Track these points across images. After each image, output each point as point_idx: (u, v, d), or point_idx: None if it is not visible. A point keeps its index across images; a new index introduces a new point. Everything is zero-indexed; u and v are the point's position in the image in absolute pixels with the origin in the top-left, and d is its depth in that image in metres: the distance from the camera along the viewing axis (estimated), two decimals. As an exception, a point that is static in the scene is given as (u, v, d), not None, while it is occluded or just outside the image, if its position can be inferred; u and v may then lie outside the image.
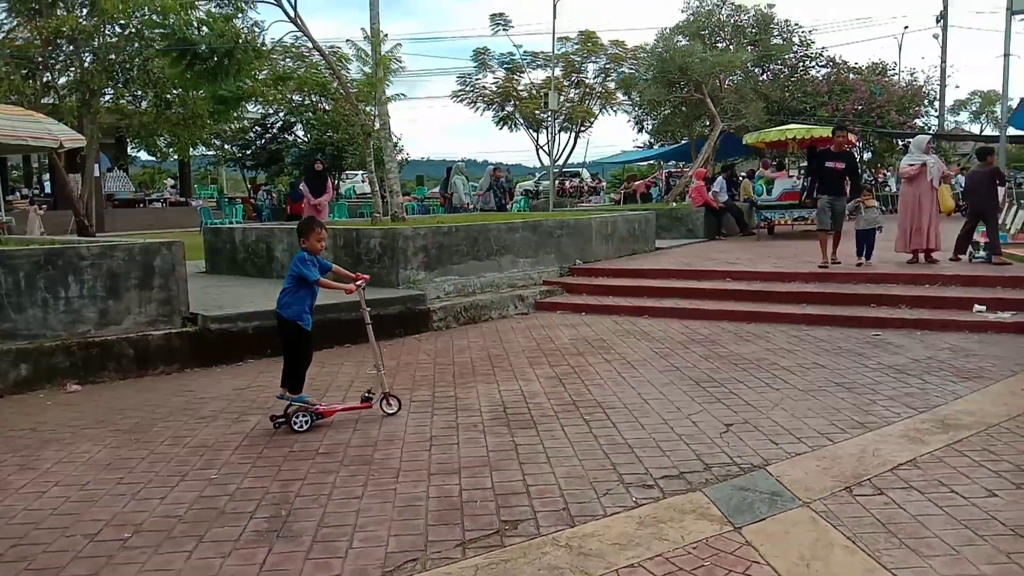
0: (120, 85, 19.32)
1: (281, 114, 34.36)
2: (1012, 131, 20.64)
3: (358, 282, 5.60)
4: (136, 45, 18.12)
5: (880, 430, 5.01)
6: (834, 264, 10.76)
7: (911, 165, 10.97)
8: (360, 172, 33.42)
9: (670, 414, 5.50)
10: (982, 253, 10.96)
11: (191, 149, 25.19)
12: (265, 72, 17.98)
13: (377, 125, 12.77)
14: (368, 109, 13.58)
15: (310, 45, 14.76)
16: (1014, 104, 21.67)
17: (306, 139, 34.05)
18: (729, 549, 3.46)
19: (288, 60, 27.35)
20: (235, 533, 3.70)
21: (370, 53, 12.34)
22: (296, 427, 5.20)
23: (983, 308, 8.47)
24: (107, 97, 19.48)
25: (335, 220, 19.08)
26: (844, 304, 9.19)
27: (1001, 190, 12.93)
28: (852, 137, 19.41)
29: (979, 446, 4.68)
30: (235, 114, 19.72)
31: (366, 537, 3.64)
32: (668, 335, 8.34)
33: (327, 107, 31.40)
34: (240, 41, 11.95)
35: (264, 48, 13.59)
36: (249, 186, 39.70)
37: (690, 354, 7.38)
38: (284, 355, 5.48)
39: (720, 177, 18.54)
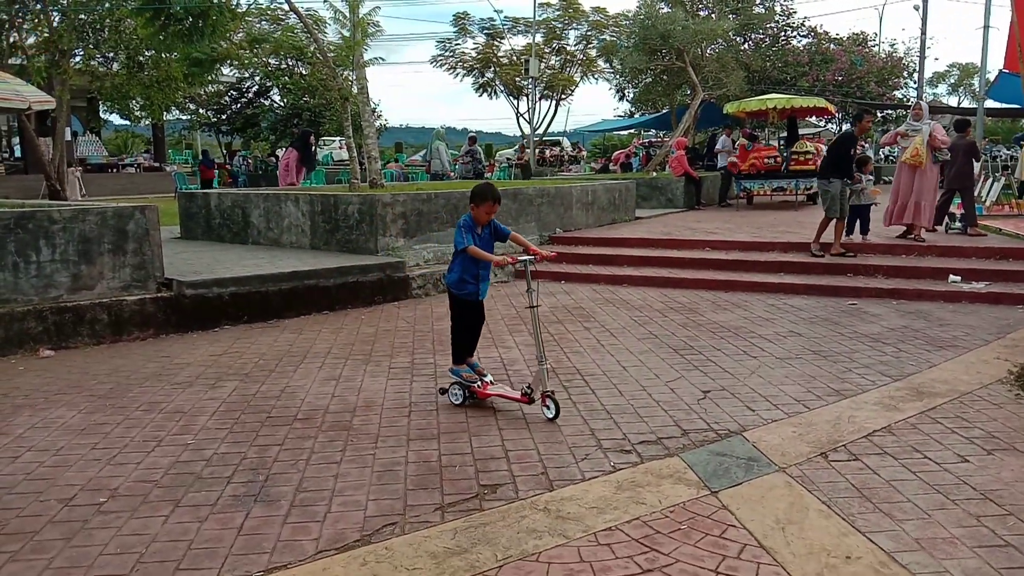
0: (91, 46, 18.83)
1: (257, 78, 33.76)
2: (990, 103, 20.77)
3: (523, 257, 4.83)
4: (107, 4, 17.63)
5: (855, 397, 5.07)
6: (847, 256, 9.66)
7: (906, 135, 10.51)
8: (338, 138, 33.03)
9: (648, 381, 5.52)
10: (958, 224, 11.08)
11: (164, 113, 24.70)
12: (240, 34, 17.63)
13: (355, 90, 12.56)
14: (346, 73, 13.36)
15: (287, 7, 14.45)
16: (992, 77, 21.79)
17: (282, 104, 33.50)
18: (706, 513, 3.50)
19: (264, 22, 26.82)
20: (212, 498, 3.68)
21: (348, 16, 12.10)
22: (453, 399, 4.99)
23: (958, 278, 8.57)
24: (77, 58, 18.97)
25: (312, 186, 18.83)
26: (821, 273, 9.26)
27: (977, 164, 13.03)
28: (831, 107, 19.45)
29: (952, 413, 4.76)
30: (209, 77, 19.28)
31: (344, 501, 3.63)
32: (647, 303, 8.36)
33: (304, 71, 30.88)
34: (215, 2, 11.66)
35: (239, 9, 13.29)
36: (224, 151, 39.09)
37: (669, 322, 7.40)
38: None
39: (723, 136, 18.47)
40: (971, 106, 26.58)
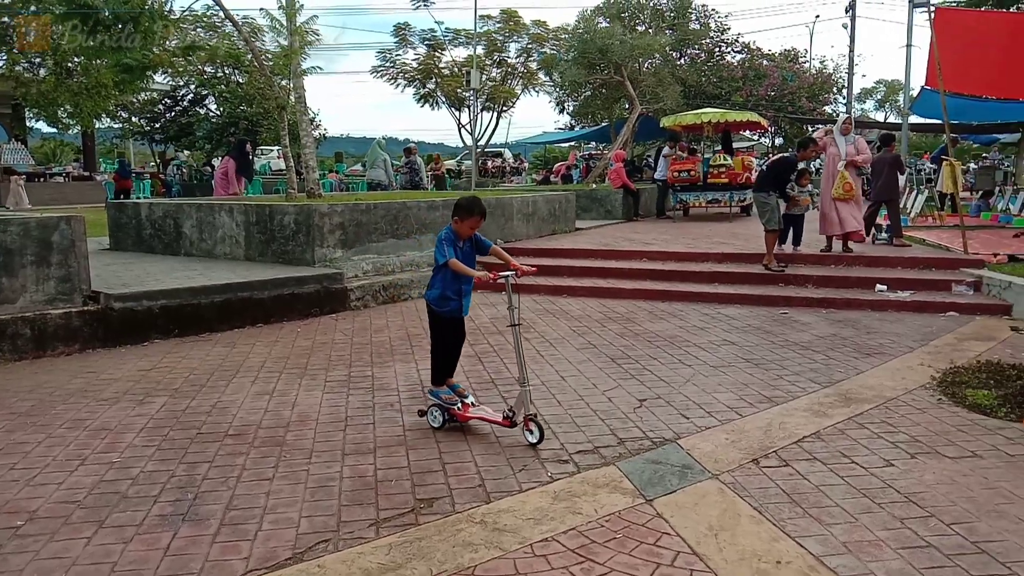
0: (15, 51, 18.14)
1: (192, 86, 33.02)
2: (914, 119, 21.59)
3: (504, 273, 4.57)
4: (33, 8, 17.02)
5: (786, 404, 5.19)
6: (779, 268, 9.76)
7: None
8: (276, 147, 32.50)
9: (586, 390, 5.56)
10: (884, 235, 11.48)
11: (95, 121, 23.94)
12: (175, 41, 17.19)
13: (292, 99, 12.39)
14: (283, 82, 13.17)
15: (222, 15, 14.18)
16: (915, 93, 22.67)
17: (219, 113, 32.83)
18: (641, 521, 3.53)
19: (199, 29, 26.25)
20: (138, 518, 3.56)
21: (285, 24, 11.94)
22: (432, 422, 4.75)
23: (884, 287, 8.88)
24: (0, 63, 18.29)
25: (247, 196, 18.46)
26: (754, 283, 9.47)
27: (902, 177, 13.55)
28: (764, 122, 19.99)
29: (878, 419, 4.91)
30: (141, 84, 18.75)
31: (276, 519, 3.55)
32: (586, 313, 8.43)
33: (241, 80, 30.35)
34: (146, 7, 11.37)
35: (173, 15, 12.97)
36: (158, 161, 38.09)
37: (607, 332, 7.47)
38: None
39: (666, 148, 18.73)
40: (896, 121, 27.61)
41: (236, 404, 5.28)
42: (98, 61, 16.19)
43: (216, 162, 26.79)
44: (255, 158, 32.86)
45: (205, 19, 25.62)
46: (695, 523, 3.50)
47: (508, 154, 41.64)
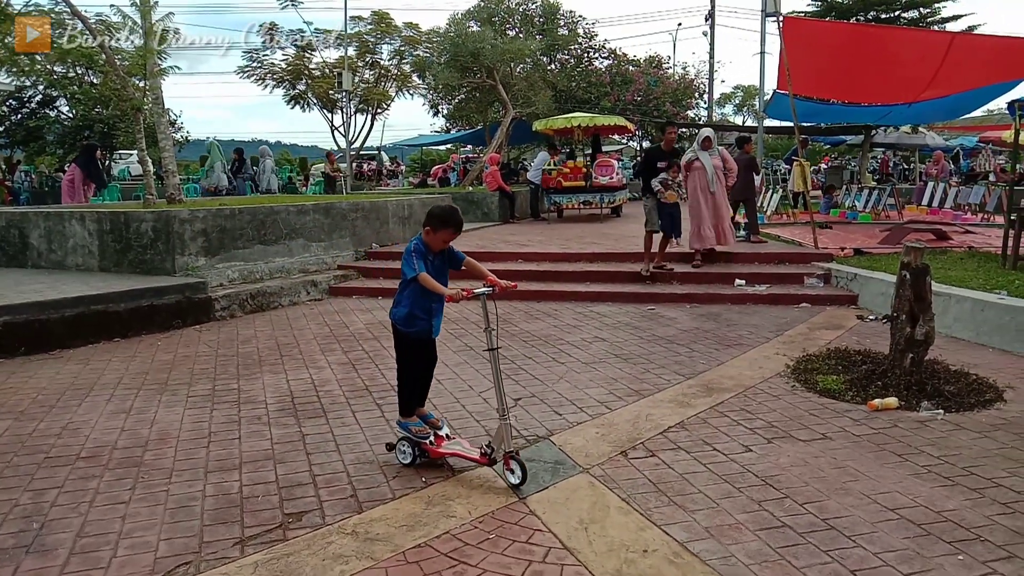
0: None
1: (41, 87, 30.73)
2: (769, 122, 22.91)
3: (479, 289, 4.10)
4: None
5: (652, 396, 5.38)
6: (665, 270, 9.79)
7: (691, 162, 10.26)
8: (135, 152, 30.76)
9: (462, 392, 5.56)
10: (742, 233, 12.10)
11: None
12: (11, 38, 15.96)
13: (149, 100, 11.76)
14: (139, 83, 12.49)
15: (70, 12, 13.28)
16: (769, 97, 24.07)
17: (71, 115, 30.73)
18: (514, 520, 3.56)
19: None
20: (-28, 555, 3.27)
21: (139, 22, 11.32)
22: (401, 458, 4.22)
23: (743, 282, 9.35)
24: None
25: (104, 203, 17.38)
26: (623, 282, 9.77)
27: (757, 177, 14.33)
28: (631, 126, 20.66)
29: (737, 407, 5.16)
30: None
31: (132, 544, 3.35)
32: (463, 316, 8.43)
33: (95, 80, 28.54)
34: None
35: (11, 10, 12.06)
36: (3, 166, 35.26)
37: (483, 334, 7.48)
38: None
39: (542, 154, 18.98)
40: (753, 124, 29.21)
41: (89, 424, 4.95)
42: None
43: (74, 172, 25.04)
44: (112, 163, 31.04)
45: (53, 15, 24.03)
46: (566, 518, 3.56)
47: (385, 157, 41.16)
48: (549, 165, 17.76)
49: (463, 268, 4.33)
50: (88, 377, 6.13)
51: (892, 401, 5.11)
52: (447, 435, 4.27)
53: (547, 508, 3.66)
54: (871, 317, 7.82)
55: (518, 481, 3.86)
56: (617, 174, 17.66)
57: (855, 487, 3.85)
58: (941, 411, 4.99)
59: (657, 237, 9.77)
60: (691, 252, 10.45)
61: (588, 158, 19.33)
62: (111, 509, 3.71)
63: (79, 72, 28.99)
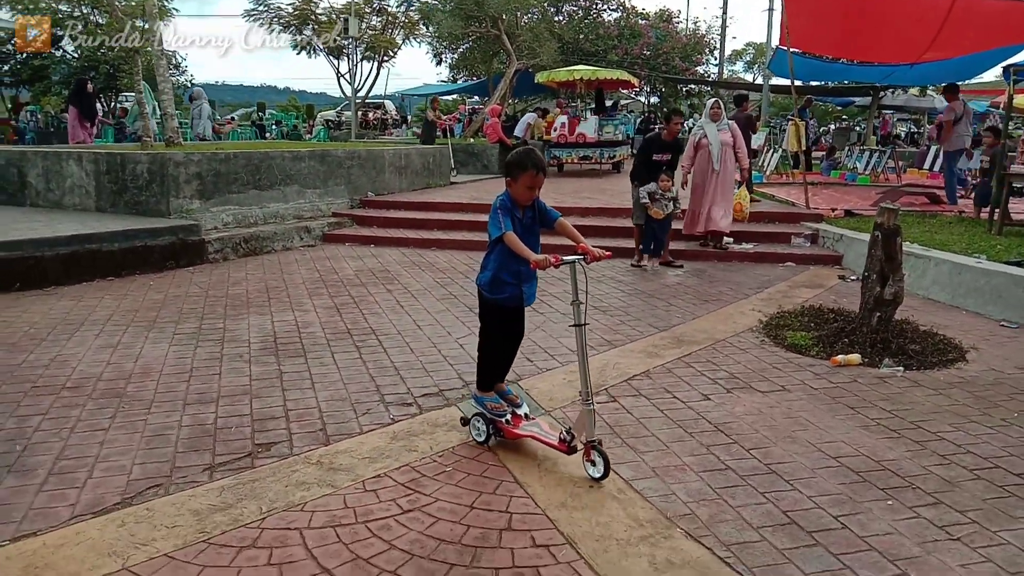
0: None
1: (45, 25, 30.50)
2: (777, 80, 22.67)
3: (568, 257, 3.61)
4: None
5: (624, 346, 5.53)
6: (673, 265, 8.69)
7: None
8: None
9: (440, 339, 5.72)
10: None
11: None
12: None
13: (152, 42, 11.75)
14: (139, 24, 12.46)
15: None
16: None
17: (76, 55, 30.55)
18: (472, 455, 3.73)
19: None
20: (-43, 472, 3.46)
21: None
22: (474, 435, 3.90)
23: (731, 240, 9.42)
24: None
25: (104, 144, 17.41)
26: (614, 236, 9.83)
27: (755, 135, 14.28)
28: (635, 81, 20.48)
29: (704, 358, 5.31)
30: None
31: (108, 467, 3.54)
32: (452, 266, 8.57)
33: (100, 20, 28.30)
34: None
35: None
36: (9, 106, 35.15)
37: (470, 283, 7.64)
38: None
39: (530, 113, 18.87)
40: (761, 83, 28.87)
41: (77, 357, 5.14)
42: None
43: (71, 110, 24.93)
44: (116, 103, 30.91)
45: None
46: (523, 456, 3.73)
47: (390, 105, 40.87)
48: (536, 123, 17.74)
49: (555, 228, 3.81)
50: (79, 313, 6.30)
51: (855, 357, 5.25)
52: (526, 415, 3.90)
53: (506, 446, 3.83)
54: (852, 277, 7.93)
55: (599, 475, 3.46)
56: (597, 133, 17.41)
57: (802, 436, 4.01)
58: (901, 368, 5.13)
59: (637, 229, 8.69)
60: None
61: (591, 112, 19.22)
62: (91, 435, 3.89)
63: (84, 11, 28.72)
